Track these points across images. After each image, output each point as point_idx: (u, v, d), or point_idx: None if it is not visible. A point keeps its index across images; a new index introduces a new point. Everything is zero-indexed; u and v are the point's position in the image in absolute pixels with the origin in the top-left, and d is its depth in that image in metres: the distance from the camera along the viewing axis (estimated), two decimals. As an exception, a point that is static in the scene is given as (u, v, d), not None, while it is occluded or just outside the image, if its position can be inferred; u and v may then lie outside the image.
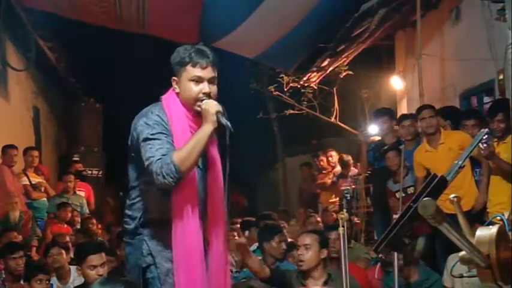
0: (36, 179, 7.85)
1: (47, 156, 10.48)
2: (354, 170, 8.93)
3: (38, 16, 7.92)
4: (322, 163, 9.86)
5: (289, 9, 7.39)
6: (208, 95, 2.75)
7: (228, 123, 2.67)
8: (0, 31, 7.75)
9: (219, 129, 2.71)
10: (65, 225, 7.43)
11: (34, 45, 8.34)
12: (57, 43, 9.72)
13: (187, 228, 2.75)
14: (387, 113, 6.98)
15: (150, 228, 2.85)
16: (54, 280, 5.02)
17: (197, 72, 2.76)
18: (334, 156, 9.58)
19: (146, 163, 2.68)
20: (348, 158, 9.14)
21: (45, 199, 7.82)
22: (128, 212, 2.93)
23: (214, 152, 2.89)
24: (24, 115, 9.49)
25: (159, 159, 2.64)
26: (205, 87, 2.76)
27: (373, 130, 7.32)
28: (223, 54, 8.64)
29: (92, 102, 11.54)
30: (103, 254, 4.24)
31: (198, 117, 2.78)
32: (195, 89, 2.76)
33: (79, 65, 11.07)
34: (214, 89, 2.80)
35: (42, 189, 7.89)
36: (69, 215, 7.54)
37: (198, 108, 2.76)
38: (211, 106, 2.70)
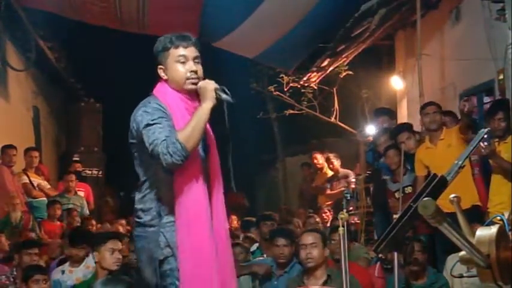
0: (36, 180, 7.85)
1: (47, 156, 10.47)
2: (343, 171, 8.93)
3: (38, 16, 7.90)
4: (316, 161, 9.91)
5: (289, 9, 7.39)
6: (195, 73, 2.88)
7: (228, 98, 2.79)
8: (0, 31, 7.75)
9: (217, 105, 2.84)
10: (58, 223, 7.38)
11: (34, 45, 8.33)
12: (57, 43, 9.71)
13: (193, 198, 2.80)
14: (387, 112, 7.03)
15: (166, 218, 2.85)
16: (66, 266, 5.14)
17: (181, 51, 2.88)
18: (319, 158, 9.50)
19: (151, 147, 2.73)
20: (334, 159, 9.08)
21: (45, 199, 7.81)
22: (138, 206, 2.92)
23: (209, 134, 2.98)
24: (24, 115, 9.49)
25: (164, 140, 2.70)
26: (191, 65, 2.88)
27: (371, 130, 7.31)
28: (223, 54, 8.65)
29: (92, 102, 11.53)
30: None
31: (191, 97, 2.90)
32: (182, 69, 2.88)
33: (79, 65, 11.07)
34: (200, 67, 2.92)
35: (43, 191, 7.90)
36: (59, 212, 7.46)
37: (189, 87, 2.88)
38: (209, 83, 2.83)
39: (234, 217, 9.44)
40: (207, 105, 2.77)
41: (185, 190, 2.80)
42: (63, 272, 5.06)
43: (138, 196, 2.95)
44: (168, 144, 2.68)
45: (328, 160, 9.13)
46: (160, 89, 2.93)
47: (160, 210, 2.86)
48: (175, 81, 2.89)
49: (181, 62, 2.88)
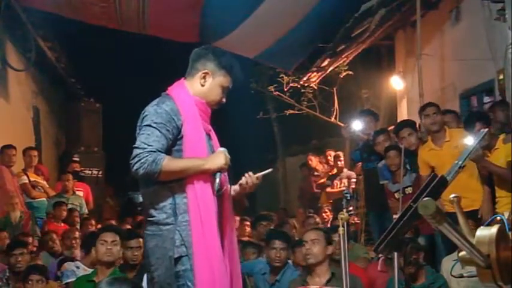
0: (35, 179, 7.83)
1: (47, 156, 10.47)
2: (346, 171, 8.97)
3: (38, 16, 7.90)
4: (310, 162, 10.02)
5: (289, 9, 7.39)
6: (221, 104, 3.09)
7: (217, 182, 2.90)
8: (0, 31, 7.75)
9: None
10: (62, 224, 7.37)
11: (34, 45, 8.32)
12: (57, 43, 9.71)
13: (204, 199, 2.86)
14: (372, 113, 7.20)
15: (182, 217, 2.84)
16: (79, 263, 5.23)
17: (229, 83, 3.07)
18: (332, 155, 9.62)
19: (138, 145, 2.78)
20: (342, 157, 9.24)
21: (45, 199, 7.80)
22: (148, 204, 2.90)
23: (215, 139, 3.11)
24: (24, 115, 9.48)
25: (153, 151, 2.75)
26: (224, 97, 3.08)
27: (357, 126, 7.33)
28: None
29: (92, 102, 11.51)
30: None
31: (205, 106, 3.03)
32: (221, 95, 3.06)
33: (79, 65, 11.06)
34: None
35: (42, 190, 7.88)
36: (65, 213, 7.46)
37: (211, 108, 3.05)
38: (225, 158, 2.92)
39: (236, 218, 9.45)
40: (208, 166, 2.87)
41: (197, 189, 2.83)
42: (77, 267, 5.16)
43: (147, 195, 2.93)
44: (152, 159, 2.73)
45: (337, 157, 9.23)
46: (178, 91, 2.99)
47: (176, 209, 2.84)
48: (207, 96, 3.02)
49: (223, 90, 3.05)
